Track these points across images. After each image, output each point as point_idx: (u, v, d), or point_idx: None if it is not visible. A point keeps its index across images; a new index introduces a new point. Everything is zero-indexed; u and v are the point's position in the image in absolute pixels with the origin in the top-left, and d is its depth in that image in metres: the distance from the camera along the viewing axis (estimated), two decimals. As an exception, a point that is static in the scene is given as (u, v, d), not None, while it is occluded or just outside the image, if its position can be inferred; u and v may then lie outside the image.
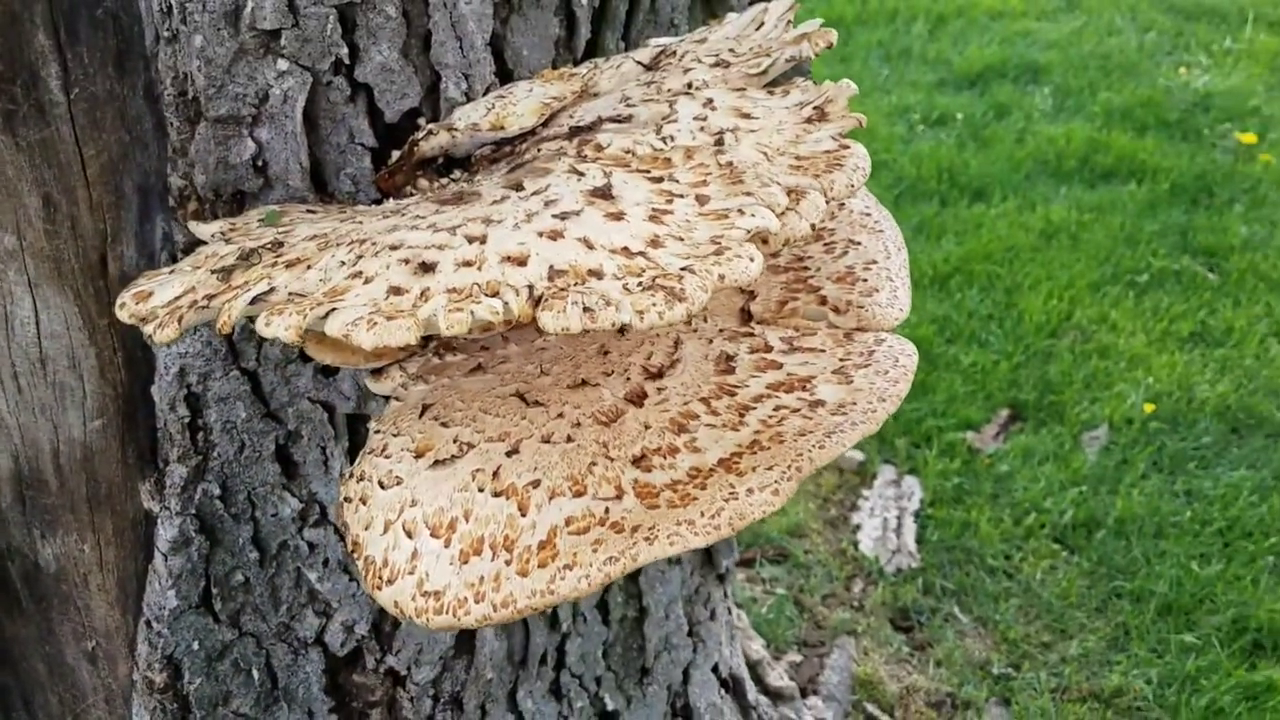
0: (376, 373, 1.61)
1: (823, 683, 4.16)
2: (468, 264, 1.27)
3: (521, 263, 1.26)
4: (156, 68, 1.55)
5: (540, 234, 1.30)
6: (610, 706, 2.37)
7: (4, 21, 1.46)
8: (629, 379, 1.49)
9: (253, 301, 1.27)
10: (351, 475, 1.51)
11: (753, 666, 3.34)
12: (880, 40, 8.93)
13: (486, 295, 1.21)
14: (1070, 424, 5.12)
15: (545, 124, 1.61)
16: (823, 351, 1.50)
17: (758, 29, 1.68)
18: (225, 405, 1.75)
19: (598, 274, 1.25)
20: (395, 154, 1.64)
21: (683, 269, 1.23)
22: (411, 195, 1.63)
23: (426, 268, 1.27)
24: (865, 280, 1.60)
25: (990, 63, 8.43)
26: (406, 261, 1.28)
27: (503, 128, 1.59)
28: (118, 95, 1.56)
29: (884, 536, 4.71)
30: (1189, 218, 6.62)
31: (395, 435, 1.49)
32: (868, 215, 1.70)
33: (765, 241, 1.33)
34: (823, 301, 1.59)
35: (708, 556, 2.52)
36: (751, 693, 2.68)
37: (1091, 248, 6.30)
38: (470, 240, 1.30)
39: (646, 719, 2.43)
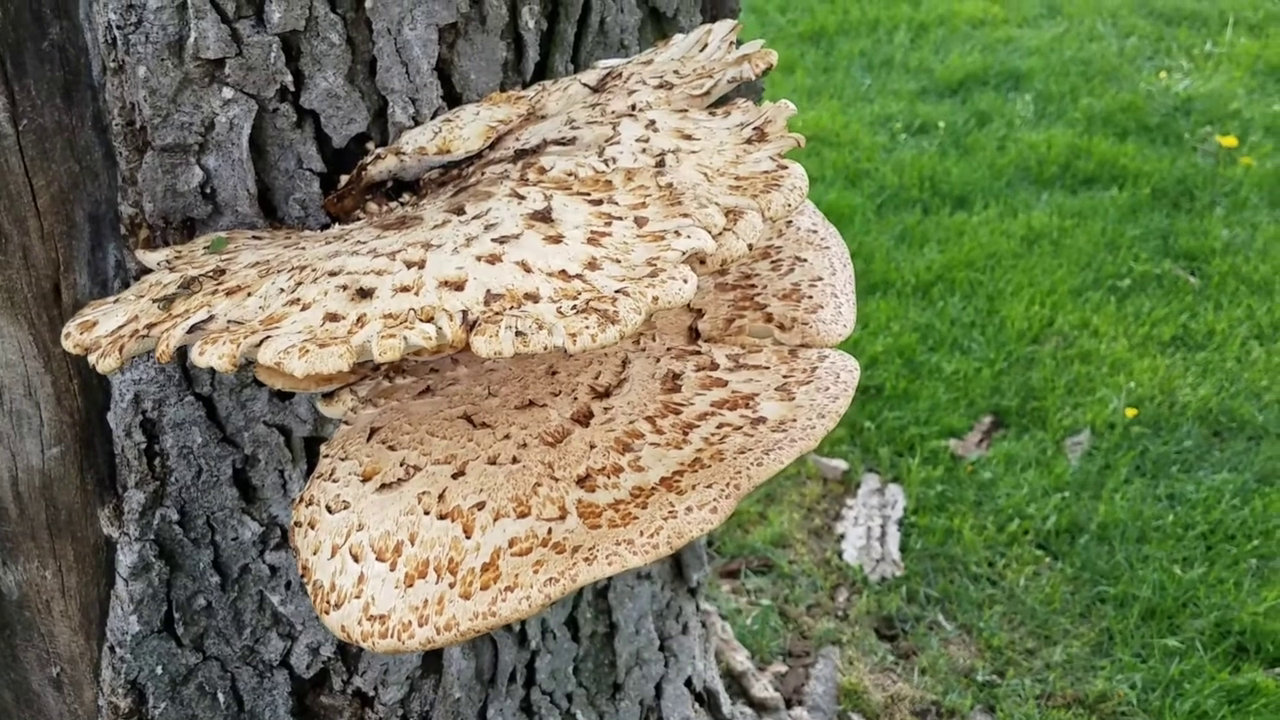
0: (328, 397, 1.62)
1: (808, 693, 4.17)
2: (405, 289, 1.28)
3: (459, 287, 1.27)
4: (104, 98, 1.57)
5: (479, 258, 1.32)
6: (582, 723, 2.38)
7: (-52, 56, 1.47)
8: (576, 399, 1.50)
9: (190, 330, 1.28)
10: (301, 500, 1.52)
11: (737, 678, 3.35)
12: (862, 50, 8.96)
13: (421, 321, 1.22)
14: (1053, 430, 5.14)
15: (492, 147, 1.63)
16: (767, 369, 1.51)
17: (701, 50, 1.70)
18: (181, 431, 1.76)
19: (534, 297, 1.26)
20: (344, 179, 1.65)
21: (617, 291, 1.25)
22: (360, 219, 1.64)
23: (364, 294, 1.28)
24: (810, 297, 1.61)
25: (972, 71, 8.46)
26: (344, 288, 1.29)
27: (449, 151, 1.60)
28: (66, 126, 1.57)
29: (868, 545, 4.72)
30: (1170, 222, 6.65)
31: (343, 459, 1.50)
32: (814, 232, 1.72)
33: (703, 262, 1.34)
34: (769, 319, 1.60)
35: (678, 570, 2.53)
36: (726, 706, 2.69)
37: (1073, 253, 6.33)
38: (409, 265, 1.31)
39: (619, 734, 2.44)
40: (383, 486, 1.44)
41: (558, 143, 1.56)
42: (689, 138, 1.53)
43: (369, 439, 1.51)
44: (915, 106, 8.00)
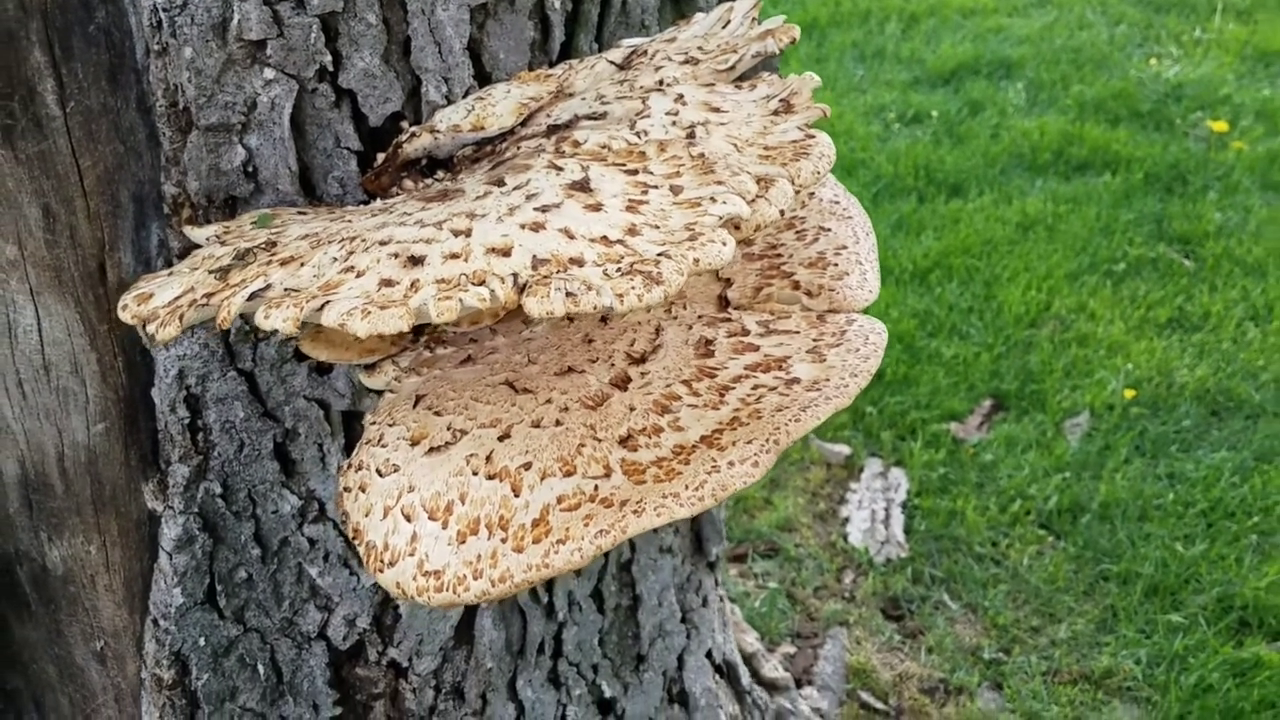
0: (370, 368, 1.67)
1: (817, 673, 4.23)
2: (454, 256, 1.33)
3: (506, 253, 1.33)
4: (148, 80, 1.61)
5: (523, 226, 1.37)
6: (608, 694, 2.43)
7: (1, 39, 1.51)
8: (613, 365, 1.55)
9: (250, 298, 1.33)
10: (350, 465, 1.57)
11: (748, 659, 3.40)
12: (854, 41, 9.02)
13: (473, 284, 1.27)
14: (1052, 412, 5.20)
15: (524, 123, 1.68)
16: (797, 333, 1.57)
17: (724, 27, 1.75)
18: (224, 405, 1.80)
19: (579, 262, 1.31)
20: (380, 156, 1.70)
21: (659, 254, 1.30)
22: (397, 196, 1.69)
23: (415, 261, 1.33)
24: (836, 265, 1.66)
25: (963, 60, 8.53)
26: (396, 256, 1.34)
27: (483, 128, 1.65)
28: (111, 108, 1.61)
29: (872, 528, 4.78)
30: (1163, 206, 6.72)
31: (391, 425, 1.55)
32: (836, 203, 1.77)
33: (737, 227, 1.40)
34: (796, 286, 1.66)
35: (698, 544, 2.58)
36: (745, 678, 2.74)
37: (1068, 239, 6.39)
38: (456, 234, 1.36)
39: (643, 705, 2.49)
40: (431, 450, 1.49)
41: (589, 117, 1.62)
42: (717, 110, 1.58)
43: (415, 405, 1.56)
44: (908, 96, 8.06)
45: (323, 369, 1.84)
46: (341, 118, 1.67)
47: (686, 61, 1.68)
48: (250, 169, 1.65)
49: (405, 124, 1.72)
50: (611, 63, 1.74)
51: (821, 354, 1.51)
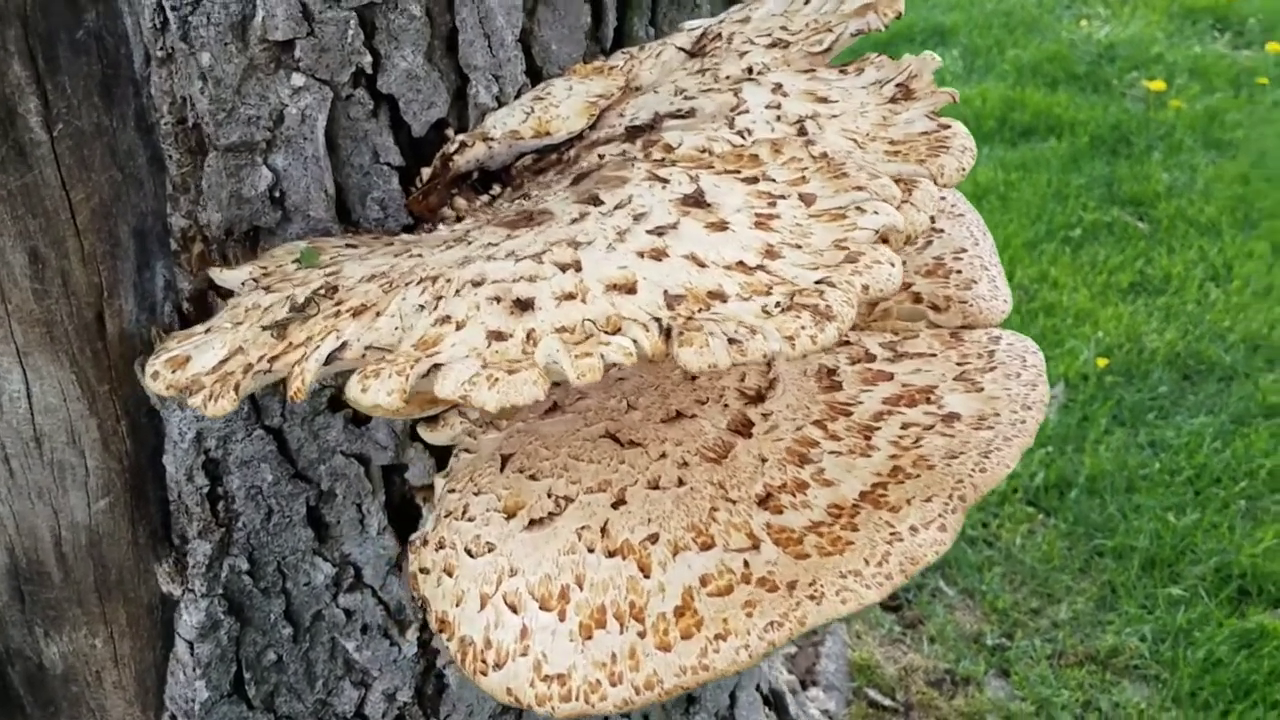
0: (430, 421, 1.43)
1: (820, 672, 4.07)
2: (569, 296, 1.10)
3: (630, 290, 1.10)
4: (149, 93, 1.35)
5: (640, 254, 1.14)
6: (658, 740, 2.22)
7: (-29, 53, 1.24)
8: (727, 406, 1.33)
9: (327, 360, 1.08)
10: (425, 543, 1.33)
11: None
12: (786, 12, 8.83)
13: (607, 332, 1.04)
14: (1031, 385, 5.09)
15: (591, 126, 1.44)
16: (933, 356, 1.37)
17: (806, 3, 1.53)
18: (249, 469, 1.55)
19: (719, 296, 1.09)
20: (425, 171, 1.46)
21: (818, 282, 1.08)
22: (448, 216, 1.45)
23: (523, 305, 1.10)
24: (959, 271, 1.46)
25: (896, 29, 8.39)
26: (497, 299, 1.10)
27: (548, 133, 1.42)
28: (106, 128, 1.34)
29: (863, 517, 4.62)
30: (1111, 169, 6.67)
31: (477, 494, 1.31)
32: (942, 199, 1.57)
33: (886, 241, 1.18)
34: (917, 299, 1.45)
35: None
36: (793, 706, 2.56)
37: (1021, 206, 6.31)
38: (563, 268, 1.13)
39: (695, 748, 2.29)
40: (532, 523, 1.26)
41: (674, 116, 1.39)
42: (824, 100, 1.37)
43: (503, 469, 1.33)
44: (847, 67, 7.91)
45: (360, 419, 1.59)
46: (380, 128, 1.42)
47: (773, 45, 1.46)
48: (277, 194, 1.39)
49: (450, 132, 1.47)
50: (680, 49, 1.52)
51: (975, 381, 1.31)
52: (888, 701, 4.04)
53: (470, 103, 1.46)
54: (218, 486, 1.55)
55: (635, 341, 1.02)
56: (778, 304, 1.06)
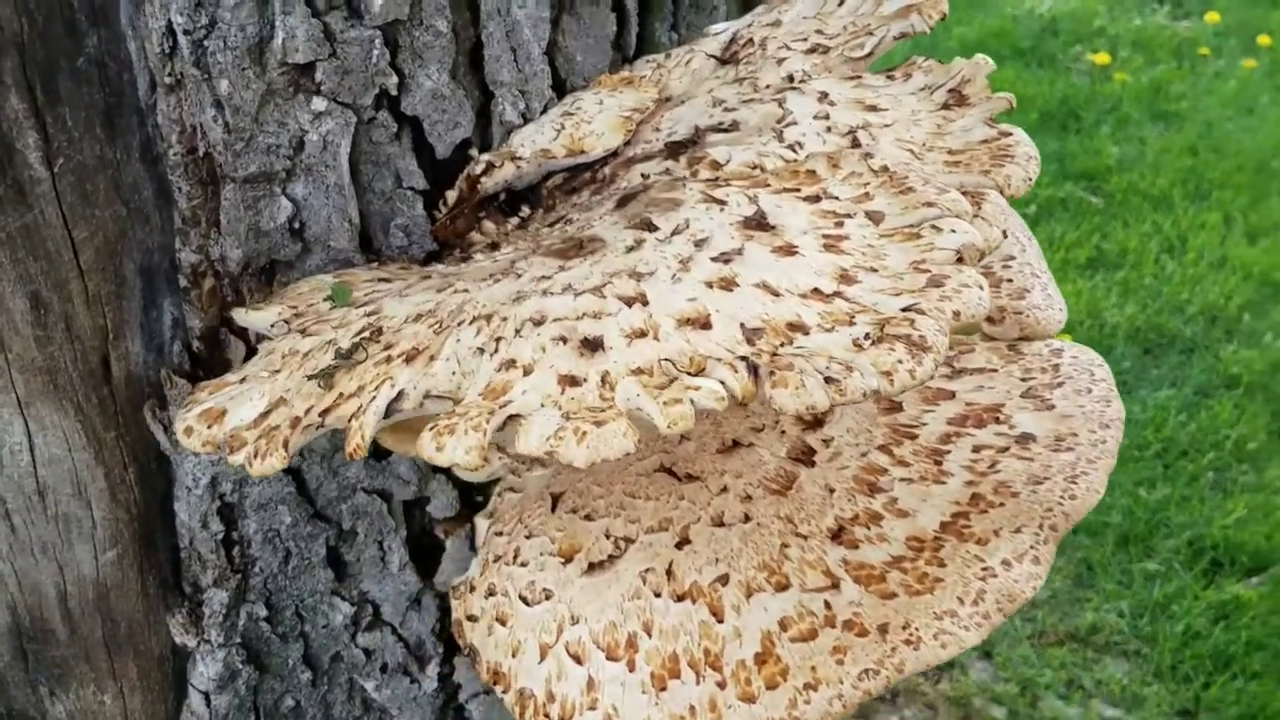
0: (466, 457, 1.36)
1: (806, 664, 4.03)
2: (640, 334, 1.03)
3: (704, 325, 1.04)
4: (154, 122, 1.25)
5: (709, 284, 1.08)
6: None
7: (-35, 86, 1.14)
8: (784, 432, 1.27)
9: (386, 413, 1.01)
10: (472, 589, 1.26)
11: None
12: None
13: (690, 374, 0.98)
14: (999, 365, 5.10)
15: (626, 142, 1.37)
16: (994, 371, 1.32)
17: (840, 4, 1.47)
18: (266, 512, 1.46)
19: (801, 328, 1.03)
20: (450, 195, 1.38)
21: (905, 310, 1.03)
22: (476, 241, 1.37)
23: (591, 345, 1.03)
24: (1010, 280, 1.42)
25: (842, 7, 8.37)
26: (564, 340, 1.03)
27: (583, 151, 1.34)
28: (110, 161, 1.25)
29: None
30: (1062, 144, 6.70)
31: (528, 537, 1.24)
32: (981, 205, 1.52)
33: (963, 260, 1.13)
34: (967, 311, 1.40)
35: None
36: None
37: (978, 184, 6.31)
38: (628, 302, 1.06)
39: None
40: (591, 567, 1.20)
41: (716, 130, 1.32)
42: (874, 109, 1.31)
43: (554, 509, 1.26)
44: (795, 48, 7.87)
45: (380, 453, 1.51)
46: (403, 151, 1.33)
47: (811, 50, 1.40)
48: (296, 225, 1.30)
49: (474, 152, 1.39)
50: (711, 56, 1.45)
51: (1044, 399, 1.26)
52: (875, 690, 4.02)
53: (495, 120, 1.38)
54: (232, 531, 1.47)
55: (724, 383, 0.96)
56: (867, 336, 1.00)
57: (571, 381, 0.99)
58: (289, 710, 1.62)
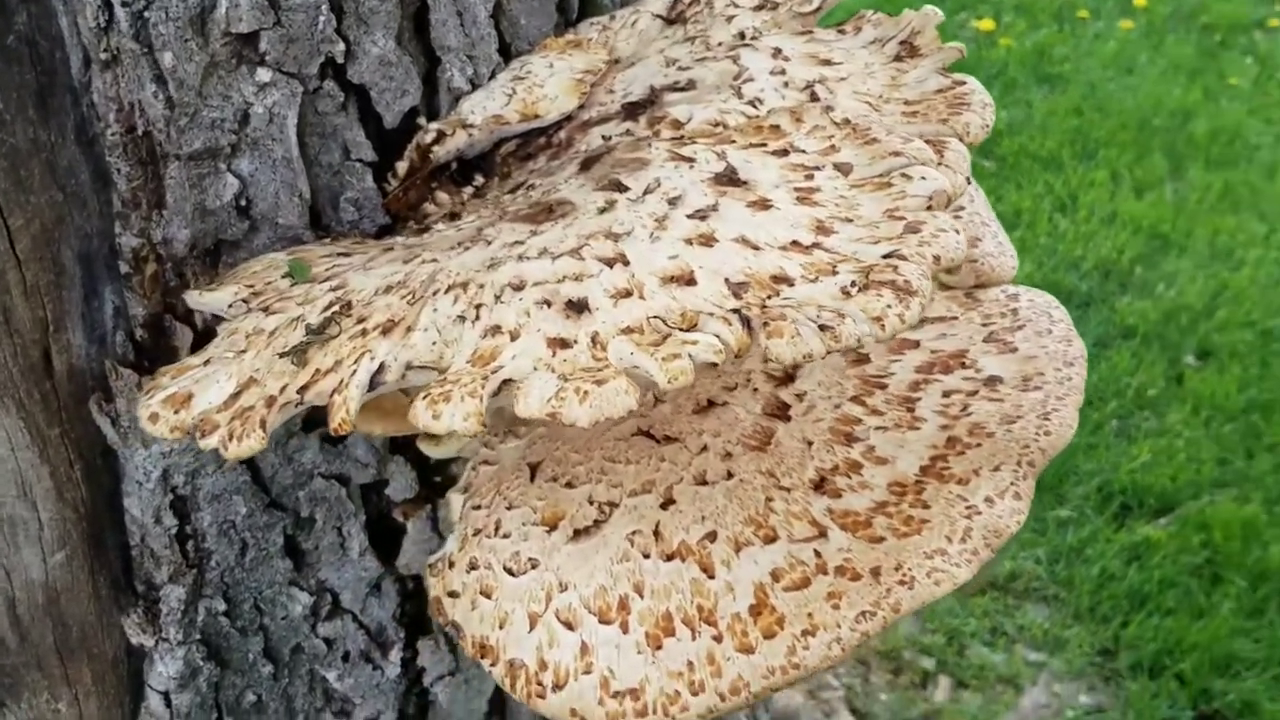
0: (431, 434, 1.33)
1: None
2: (625, 294, 1.02)
3: (688, 281, 1.03)
4: (90, 102, 1.19)
5: (688, 241, 1.07)
6: None
7: (-113, 67, 1.07)
8: (756, 390, 1.27)
9: (372, 385, 0.98)
10: (451, 565, 1.24)
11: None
12: None
13: (683, 329, 0.97)
14: (908, 327, 5.19)
15: (579, 105, 1.36)
16: (955, 319, 1.34)
17: (782, -37, 1.47)
18: (220, 503, 1.41)
19: (785, 280, 1.03)
20: (401, 166, 1.34)
21: (887, 256, 1.03)
22: (431, 213, 1.34)
23: (577, 307, 1.01)
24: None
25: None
26: (547, 303, 1.02)
27: (538, 115, 1.32)
28: (44, 144, 1.19)
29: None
30: (953, 109, 6.83)
31: (509, 508, 1.22)
32: (925, 158, 1.54)
33: (933, 205, 1.14)
34: (922, 261, 1.41)
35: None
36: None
37: (875, 151, 6.41)
38: (608, 263, 1.05)
39: None
40: (577, 533, 1.18)
41: (672, 89, 1.31)
42: (828, 63, 1.32)
43: (533, 479, 1.24)
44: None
45: (335, 439, 1.47)
46: (350, 121, 1.29)
47: (759, 7, 1.40)
48: (243, 202, 1.26)
49: (422, 121, 1.36)
50: (658, 16, 1.44)
51: (1006, 341, 1.28)
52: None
53: (443, 87, 1.35)
54: (186, 525, 1.42)
55: (719, 336, 0.95)
56: (854, 283, 1.00)
57: (562, 344, 0.98)
58: (250, 706, 1.58)
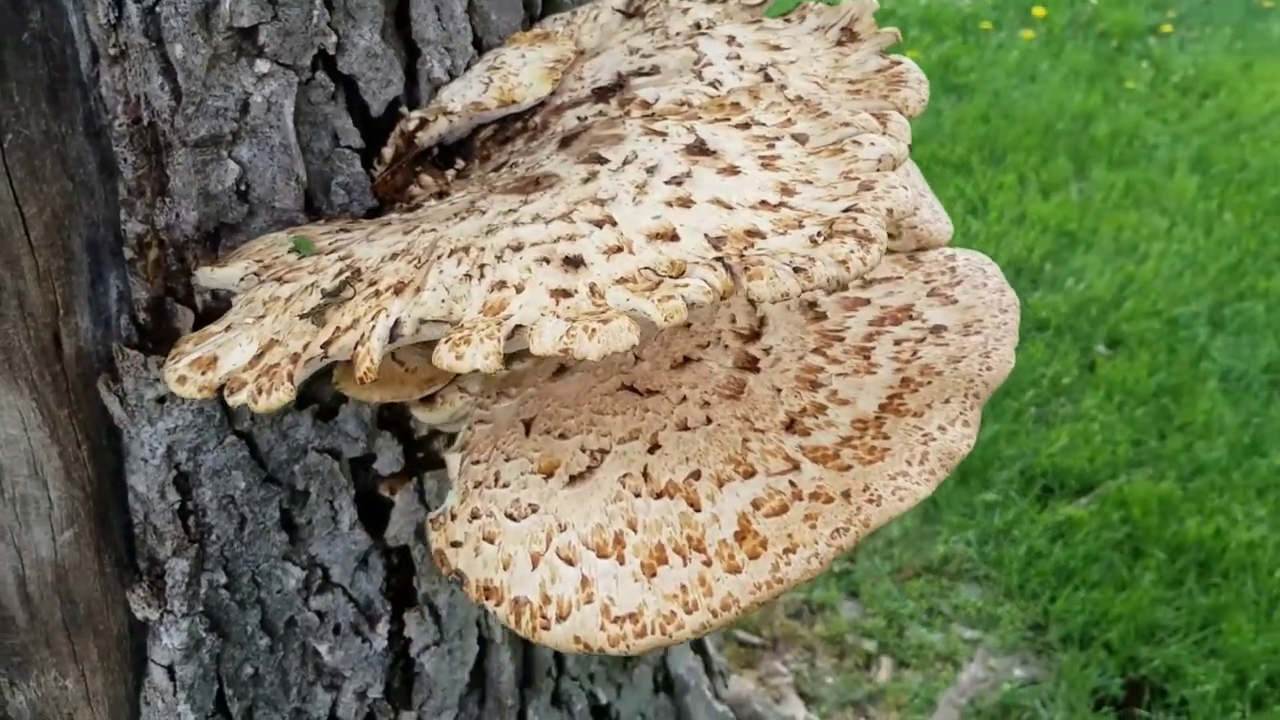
0: (427, 400, 1.43)
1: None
2: (615, 250, 1.13)
3: (672, 238, 1.14)
4: (98, 95, 1.27)
5: (668, 203, 1.19)
6: (603, 700, 2.27)
7: (-85, 62, 1.14)
8: (727, 347, 1.39)
9: (392, 337, 1.08)
10: (453, 517, 1.33)
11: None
12: None
13: (672, 277, 1.08)
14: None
15: (552, 91, 1.47)
16: (899, 279, 1.47)
17: (728, -40, 1.60)
18: (221, 479, 1.49)
19: (758, 234, 1.15)
20: (386, 152, 1.44)
21: (846, 210, 1.16)
22: (416, 195, 1.44)
23: (573, 262, 1.12)
24: (901, 200, 1.57)
25: None
26: (545, 260, 1.13)
27: (514, 101, 1.43)
28: (56, 135, 1.27)
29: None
30: (867, 118, 7.06)
31: (507, 460, 1.32)
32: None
33: (881, 167, 1.27)
34: (867, 229, 1.55)
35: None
36: (711, 649, 2.65)
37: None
38: (597, 224, 1.16)
39: (635, 702, 2.35)
40: (572, 479, 1.29)
41: (638, 74, 1.43)
42: (778, 48, 1.45)
43: (528, 433, 1.34)
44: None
45: (326, 414, 1.56)
46: (339, 110, 1.39)
47: (711, 0, 1.52)
48: (243, 187, 1.34)
49: (404, 109, 1.46)
50: (618, 10, 1.55)
51: (947, 295, 1.42)
52: (755, 639, 4.22)
53: (423, 78, 1.45)
54: (188, 501, 1.49)
55: (706, 280, 1.07)
56: (820, 234, 1.12)
57: (564, 294, 1.09)
58: (248, 678, 1.65)
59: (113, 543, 1.50)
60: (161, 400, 1.40)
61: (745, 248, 1.13)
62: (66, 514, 1.44)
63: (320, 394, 1.54)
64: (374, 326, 1.09)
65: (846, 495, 1.20)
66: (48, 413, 1.37)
